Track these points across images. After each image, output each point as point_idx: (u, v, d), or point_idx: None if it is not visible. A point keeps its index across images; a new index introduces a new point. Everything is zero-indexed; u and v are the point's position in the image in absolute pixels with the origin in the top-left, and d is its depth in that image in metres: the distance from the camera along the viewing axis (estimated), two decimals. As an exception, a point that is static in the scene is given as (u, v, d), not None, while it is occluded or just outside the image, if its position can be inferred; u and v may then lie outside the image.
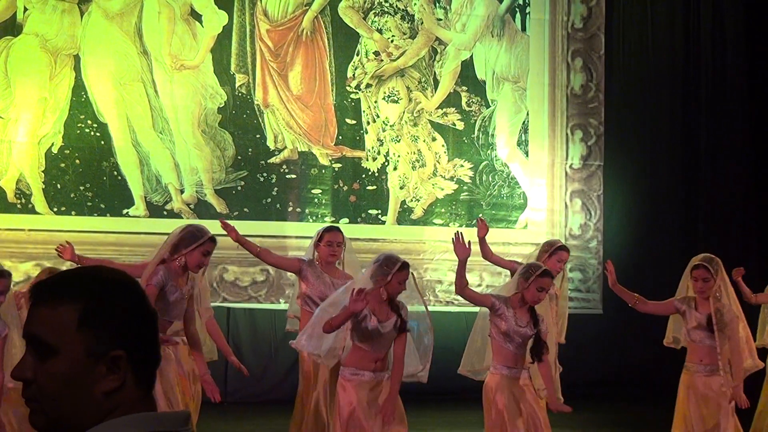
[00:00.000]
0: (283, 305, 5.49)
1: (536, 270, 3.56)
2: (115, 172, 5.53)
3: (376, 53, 5.88)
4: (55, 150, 5.46)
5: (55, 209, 5.43)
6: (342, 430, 3.58)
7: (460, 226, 6.00)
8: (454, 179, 6.04)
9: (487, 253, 4.17)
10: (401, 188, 5.92)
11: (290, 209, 5.74)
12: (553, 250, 4.16)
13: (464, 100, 6.05)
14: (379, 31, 5.92)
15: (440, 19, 6.04)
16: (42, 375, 0.90)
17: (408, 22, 6.00)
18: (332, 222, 5.68)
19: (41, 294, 0.93)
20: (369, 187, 5.88)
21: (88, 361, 0.89)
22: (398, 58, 5.90)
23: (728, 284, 3.94)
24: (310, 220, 5.68)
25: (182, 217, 5.52)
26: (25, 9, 5.45)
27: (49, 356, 0.89)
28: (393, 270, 3.34)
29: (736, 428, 3.87)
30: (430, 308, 4.01)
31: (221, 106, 5.69)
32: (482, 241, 4.12)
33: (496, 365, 3.67)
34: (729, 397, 3.75)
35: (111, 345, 0.89)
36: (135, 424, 0.89)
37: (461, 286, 3.53)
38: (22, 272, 5.30)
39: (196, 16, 5.66)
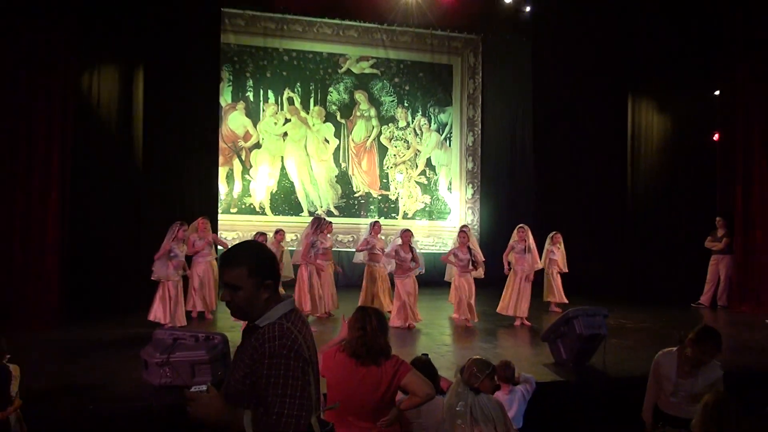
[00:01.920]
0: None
1: (462, 227, 9.19)
2: (296, 197, 13.99)
3: (395, 155, 14.53)
4: (274, 191, 13.94)
5: (276, 213, 13.90)
6: (398, 301, 8.19)
7: (422, 219, 14.82)
8: (424, 203, 14.26)
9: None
10: (403, 205, 14.59)
11: (362, 213, 14.21)
12: (459, 229, 9.10)
13: (428, 172, 14.18)
14: (396, 146, 14.54)
15: (419, 142, 14.75)
16: (236, 298, 1.99)
17: (407, 143, 14.19)
18: (378, 219, 14.48)
19: (227, 260, 1.96)
20: (391, 205, 14.23)
21: (255, 289, 1.98)
22: (403, 157, 14.62)
23: (531, 236, 8.91)
24: (368, 218, 14.27)
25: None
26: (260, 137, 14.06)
27: (237, 291, 1.96)
28: (403, 232, 8.54)
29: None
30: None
31: (336, 174, 13.99)
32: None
33: (459, 273, 8.47)
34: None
35: (265, 278, 1.97)
36: (284, 306, 2.06)
37: (445, 258, 9.08)
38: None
39: (325, 141, 14.32)
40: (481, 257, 9.00)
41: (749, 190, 10.33)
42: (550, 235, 10.11)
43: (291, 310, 2.15)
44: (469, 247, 8.69)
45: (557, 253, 10.02)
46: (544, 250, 9.90)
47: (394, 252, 8.57)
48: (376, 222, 9.86)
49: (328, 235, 9.59)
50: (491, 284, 10.06)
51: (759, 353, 6.90)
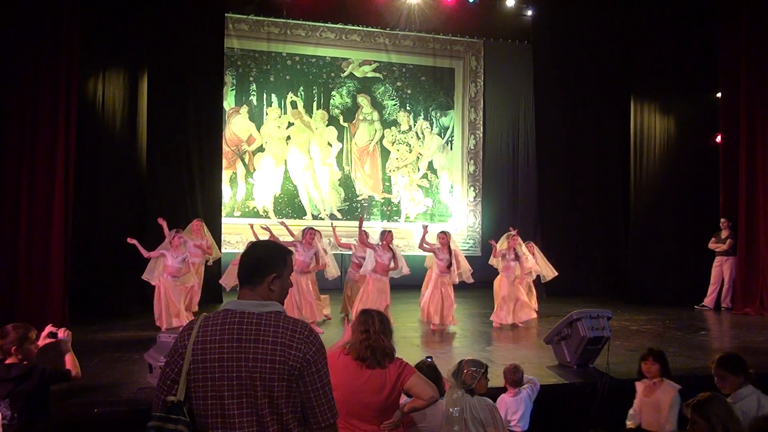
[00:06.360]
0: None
1: (441, 233, 8.89)
2: (299, 201, 14.16)
3: (397, 159, 14.74)
4: (277, 194, 14.03)
5: (279, 216, 13.97)
6: (368, 301, 7.93)
7: (425, 220, 14.89)
8: (425, 206, 14.93)
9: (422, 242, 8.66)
10: (405, 208, 14.82)
11: (365, 216, 14.42)
12: (439, 233, 8.76)
13: (430, 175, 14.86)
14: (398, 150, 14.77)
15: (421, 145, 14.94)
16: None
17: (409, 147, 14.74)
18: (381, 221, 14.50)
19: None
20: (394, 208, 14.66)
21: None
22: (405, 160, 14.80)
23: (522, 245, 9.62)
24: (372, 220, 14.41)
25: (323, 219, 14.14)
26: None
27: None
28: (385, 233, 8.64)
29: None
30: (411, 253, 12.66)
31: (340, 178, 14.31)
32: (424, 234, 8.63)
33: (438, 272, 8.55)
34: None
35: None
36: (224, 304, 2.29)
37: (420, 245, 9.01)
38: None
39: (328, 145, 14.39)
40: (463, 260, 8.96)
41: (753, 192, 10.35)
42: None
43: (225, 309, 2.25)
44: (449, 248, 8.66)
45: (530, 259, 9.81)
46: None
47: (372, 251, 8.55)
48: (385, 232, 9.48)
49: (317, 243, 8.98)
50: (491, 286, 10.08)
51: (764, 355, 6.90)
